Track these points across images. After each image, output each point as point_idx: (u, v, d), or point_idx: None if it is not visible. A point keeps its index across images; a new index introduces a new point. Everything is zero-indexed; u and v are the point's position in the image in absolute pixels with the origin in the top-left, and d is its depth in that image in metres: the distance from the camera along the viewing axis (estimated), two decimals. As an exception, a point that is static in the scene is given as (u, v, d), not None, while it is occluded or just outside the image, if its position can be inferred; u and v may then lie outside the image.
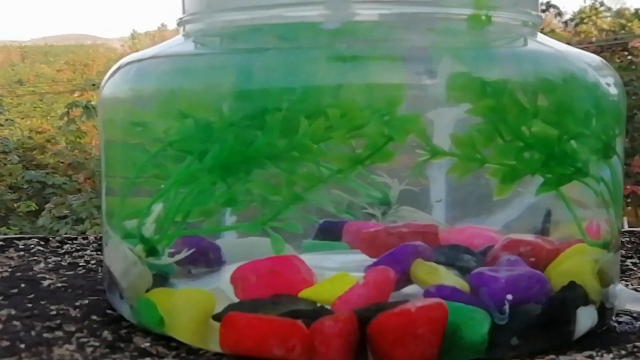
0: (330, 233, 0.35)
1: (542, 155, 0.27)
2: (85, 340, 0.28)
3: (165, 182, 0.29)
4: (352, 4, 0.28)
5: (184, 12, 0.31)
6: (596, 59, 0.30)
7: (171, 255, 0.29)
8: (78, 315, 0.31)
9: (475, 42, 0.28)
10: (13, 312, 0.31)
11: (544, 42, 0.30)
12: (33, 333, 0.29)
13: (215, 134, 0.28)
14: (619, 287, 0.30)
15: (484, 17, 0.28)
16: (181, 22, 0.31)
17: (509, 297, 0.26)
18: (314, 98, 0.26)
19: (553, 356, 0.26)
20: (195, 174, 0.28)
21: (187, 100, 0.28)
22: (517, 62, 0.28)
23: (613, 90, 0.29)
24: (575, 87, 0.28)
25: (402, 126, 0.26)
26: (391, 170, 0.32)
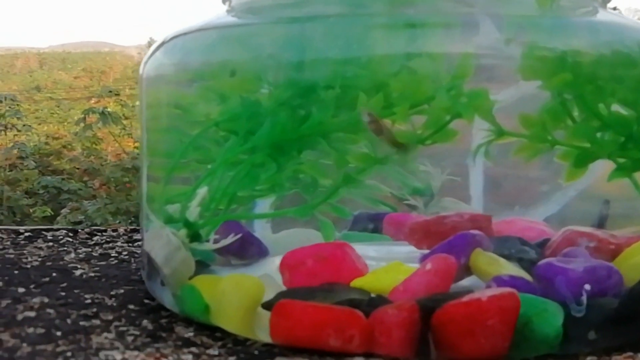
0: (366, 224, 0.33)
1: (619, 136, 0.25)
2: (124, 329, 0.26)
3: (211, 165, 0.28)
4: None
5: (229, -15, 0.29)
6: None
7: (216, 241, 0.27)
8: (114, 304, 0.30)
9: (546, 11, 0.26)
10: (46, 300, 0.30)
11: (616, 14, 0.28)
12: (69, 321, 0.27)
13: (263, 113, 0.26)
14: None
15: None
16: (227, -4, 0.30)
17: (587, 287, 0.24)
18: (374, 70, 0.25)
19: (631, 353, 0.24)
20: (243, 155, 0.27)
21: (233, 75, 0.27)
22: (593, 33, 0.26)
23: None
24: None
25: (470, 102, 0.24)
26: (433, 158, 0.30)
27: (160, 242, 0.28)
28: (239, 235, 0.27)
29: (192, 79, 0.29)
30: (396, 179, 0.30)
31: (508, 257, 0.28)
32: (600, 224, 0.30)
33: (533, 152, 0.26)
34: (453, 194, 0.31)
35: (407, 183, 0.31)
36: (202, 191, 0.28)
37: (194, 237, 0.27)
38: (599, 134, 0.26)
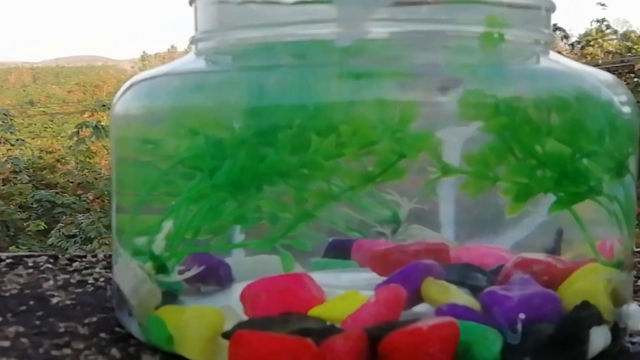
0: (339, 251, 0.34)
1: (555, 173, 0.27)
2: (93, 358, 0.28)
3: (176, 199, 0.29)
4: (364, 22, 0.28)
5: (196, 30, 0.31)
6: (609, 77, 0.30)
7: (181, 272, 0.29)
8: (87, 332, 0.31)
9: (488, 59, 0.28)
10: (21, 329, 0.31)
11: (557, 60, 0.30)
12: (41, 350, 0.28)
13: (226, 151, 0.27)
14: (633, 307, 0.30)
15: (496, 35, 0.28)
16: (193, 40, 0.31)
17: (522, 316, 0.25)
18: (326, 115, 0.26)
19: (567, 377, 0.26)
20: (205, 191, 0.28)
21: (199, 117, 0.28)
22: (530, 80, 0.28)
23: (626, 109, 0.29)
24: (589, 105, 0.28)
25: (414, 143, 0.26)
26: (401, 188, 0.32)
27: (128, 274, 0.29)
28: (201, 268, 0.29)
29: (159, 119, 0.30)
30: (364, 207, 0.32)
31: (460, 285, 0.29)
32: (555, 250, 0.32)
33: (477, 188, 0.27)
34: (425, 222, 0.33)
35: (375, 211, 0.33)
36: (168, 224, 0.29)
37: (160, 269, 0.29)
38: (539, 172, 0.27)
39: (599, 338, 0.27)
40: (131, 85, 0.31)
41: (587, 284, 0.28)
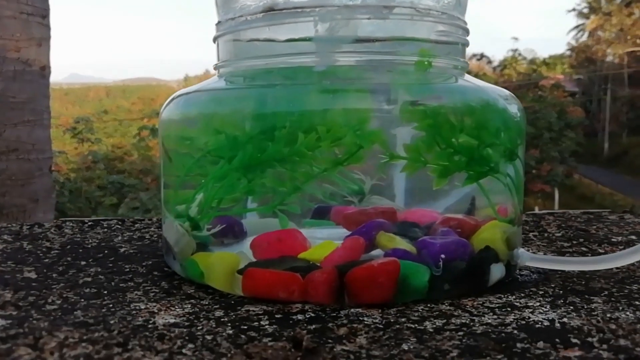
0: (322, 214, 0.35)
1: (466, 158, 0.27)
2: (149, 288, 0.29)
3: (205, 178, 0.30)
4: (335, 53, 0.28)
5: (218, 59, 0.31)
6: (505, 91, 0.30)
7: (209, 229, 0.29)
8: (144, 271, 0.32)
9: (420, 79, 0.29)
10: (99, 269, 0.32)
11: (469, 80, 0.30)
12: (113, 284, 0.29)
13: (239, 145, 0.28)
14: (521, 250, 0.31)
15: (426, 62, 0.28)
16: (216, 67, 0.32)
17: (443, 256, 0.26)
18: (308, 119, 0.27)
19: (473, 298, 0.27)
20: (226, 173, 0.29)
21: (220, 121, 0.29)
22: (449, 93, 0.28)
23: (517, 113, 0.29)
24: (490, 111, 0.28)
25: (369, 137, 0.26)
26: (365, 170, 0.32)
27: (172, 230, 0.30)
28: (223, 225, 0.29)
29: (193, 122, 0.30)
30: (340, 183, 0.33)
31: (403, 236, 0.30)
32: (470, 211, 0.32)
33: (413, 169, 0.28)
34: (383, 194, 0.34)
35: (347, 186, 0.33)
36: (200, 196, 0.30)
37: (195, 227, 0.29)
38: (455, 157, 0.28)
39: (496, 271, 0.28)
40: (173, 99, 0.31)
41: (489, 234, 0.29)
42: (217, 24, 0.31)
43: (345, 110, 0.27)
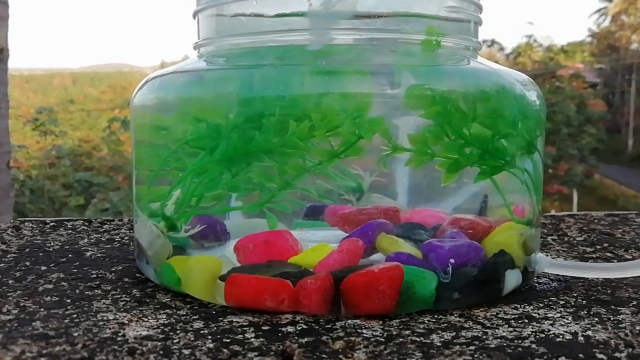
0: (315, 214, 0.35)
1: (478, 150, 0.27)
2: (118, 296, 0.28)
3: (183, 172, 0.29)
4: (331, 30, 0.28)
5: (198, 37, 0.31)
6: (523, 76, 0.30)
7: (187, 230, 0.29)
8: (113, 277, 0.31)
9: (427, 61, 0.28)
10: (62, 275, 0.31)
11: (483, 62, 0.30)
12: (77, 291, 0.29)
13: (222, 134, 0.28)
14: (539, 255, 0.31)
15: (434, 42, 0.28)
16: (196, 46, 0.31)
17: (452, 261, 0.26)
18: (301, 104, 0.26)
19: (486, 308, 0.27)
20: (206, 166, 0.28)
21: (200, 106, 0.28)
22: (460, 77, 0.28)
23: (536, 101, 0.29)
24: (506, 97, 0.28)
25: (369, 127, 0.26)
26: (364, 165, 0.32)
27: (145, 231, 0.30)
28: (203, 226, 0.29)
29: (169, 109, 0.30)
30: (336, 178, 0.32)
31: (407, 238, 0.30)
32: (482, 211, 0.32)
33: (418, 162, 0.28)
34: (384, 192, 0.33)
35: (343, 183, 0.33)
36: (177, 192, 0.29)
37: (171, 227, 0.29)
38: (466, 149, 0.28)
39: (512, 279, 0.28)
40: (146, 82, 0.31)
41: (504, 237, 0.29)
42: (197, -3, 0.31)
43: (342, 95, 0.26)
